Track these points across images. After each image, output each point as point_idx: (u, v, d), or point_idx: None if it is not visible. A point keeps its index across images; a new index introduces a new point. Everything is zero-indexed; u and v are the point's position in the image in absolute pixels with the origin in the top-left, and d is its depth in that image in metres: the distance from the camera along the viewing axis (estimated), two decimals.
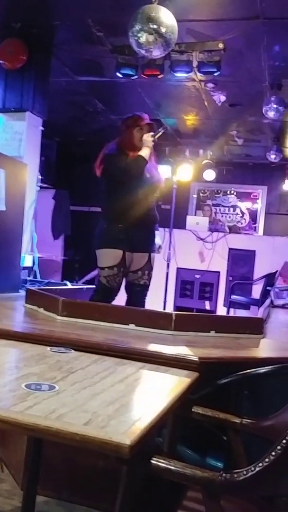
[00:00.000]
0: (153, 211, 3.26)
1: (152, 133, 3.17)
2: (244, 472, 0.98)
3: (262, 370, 1.70)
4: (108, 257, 3.12)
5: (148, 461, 1.04)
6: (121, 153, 3.13)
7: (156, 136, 3.17)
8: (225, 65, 4.59)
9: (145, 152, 3.11)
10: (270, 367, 1.71)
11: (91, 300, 3.11)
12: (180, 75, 4.61)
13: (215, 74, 4.56)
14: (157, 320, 2.24)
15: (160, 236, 3.43)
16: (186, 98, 6.07)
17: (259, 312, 4.92)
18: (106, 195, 3.23)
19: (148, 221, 3.22)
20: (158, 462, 1.05)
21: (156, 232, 3.37)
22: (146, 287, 3.29)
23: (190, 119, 7.03)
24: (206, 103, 6.17)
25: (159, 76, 4.61)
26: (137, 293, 3.27)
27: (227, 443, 1.55)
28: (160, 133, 3.22)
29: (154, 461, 1.04)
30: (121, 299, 3.35)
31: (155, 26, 3.51)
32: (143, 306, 3.26)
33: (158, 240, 3.38)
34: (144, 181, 3.15)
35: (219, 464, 1.86)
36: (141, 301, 3.28)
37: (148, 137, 3.13)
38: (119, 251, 3.10)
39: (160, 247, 3.41)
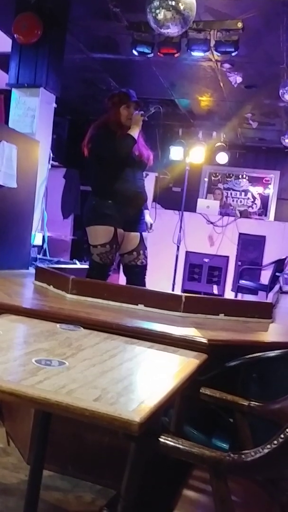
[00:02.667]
0: (142, 189, 3.22)
1: (142, 112, 3.12)
2: (252, 453, 0.98)
3: (270, 354, 1.70)
4: (99, 234, 3.09)
5: (156, 439, 1.04)
6: (108, 132, 3.08)
7: (147, 115, 3.12)
8: (243, 45, 4.50)
9: (134, 131, 3.06)
10: (279, 351, 1.71)
11: (86, 277, 3.10)
12: (196, 54, 4.52)
13: (233, 53, 4.47)
14: (167, 301, 2.24)
15: (150, 215, 3.40)
16: (201, 78, 5.97)
17: (268, 297, 4.91)
18: (94, 173, 3.20)
19: (137, 199, 3.19)
20: (166, 440, 1.05)
21: (146, 211, 3.34)
22: (144, 267, 3.28)
23: (205, 100, 6.92)
24: (221, 84, 6.07)
25: (175, 55, 4.53)
26: (137, 274, 3.26)
27: (233, 425, 1.55)
28: (151, 112, 3.15)
29: (162, 439, 1.04)
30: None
31: (173, 3, 3.44)
32: (144, 286, 3.25)
33: (149, 219, 3.35)
34: (132, 159, 3.11)
35: (224, 445, 1.87)
36: (142, 281, 3.27)
37: (138, 116, 3.08)
38: (110, 228, 3.08)
39: (151, 225, 3.38)
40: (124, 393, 1.07)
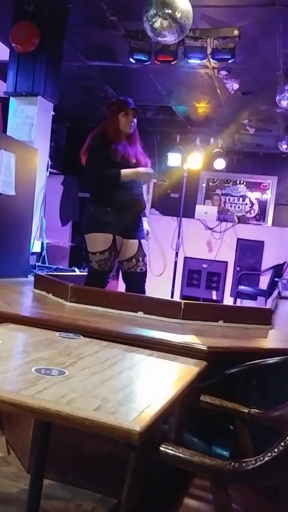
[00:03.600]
0: (140, 196, 3.24)
1: (151, 171, 3.19)
2: (253, 462, 0.98)
3: (270, 360, 1.70)
4: (98, 241, 3.10)
5: (156, 448, 1.04)
6: (104, 142, 3.11)
7: (153, 181, 3.17)
8: (239, 52, 4.52)
9: (127, 175, 3.05)
10: (279, 358, 1.71)
11: (85, 285, 3.10)
12: (193, 61, 4.54)
13: (229, 61, 4.49)
14: (166, 308, 2.24)
15: (148, 222, 3.41)
16: (198, 85, 6.00)
17: (267, 303, 4.91)
18: (92, 180, 3.22)
19: (136, 206, 3.20)
20: (167, 449, 1.05)
21: (144, 218, 3.36)
22: (144, 274, 3.28)
23: (202, 107, 6.95)
24: (218, 91, 6.10)
25: (172, 62, 4.55)
26: (136, 281, 3.26)
27: (233, 432, 1.55)
28: (156, 178, 3.20)
29: (162, 448, 1.04)
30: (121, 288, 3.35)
31: (170, 11, 3.46)
32: (144, 293, 3.25)
33: (146, 226, 3.37)
34: (130, 167, 3.12)
35: (225, 453, 1.87)
36: (142, 288, 3.26)
37: (146, 171, 3.13)
38: (109, 235, 3.09)
39: (148, 233, 3.39)
40: (125, 402, 1.07)
